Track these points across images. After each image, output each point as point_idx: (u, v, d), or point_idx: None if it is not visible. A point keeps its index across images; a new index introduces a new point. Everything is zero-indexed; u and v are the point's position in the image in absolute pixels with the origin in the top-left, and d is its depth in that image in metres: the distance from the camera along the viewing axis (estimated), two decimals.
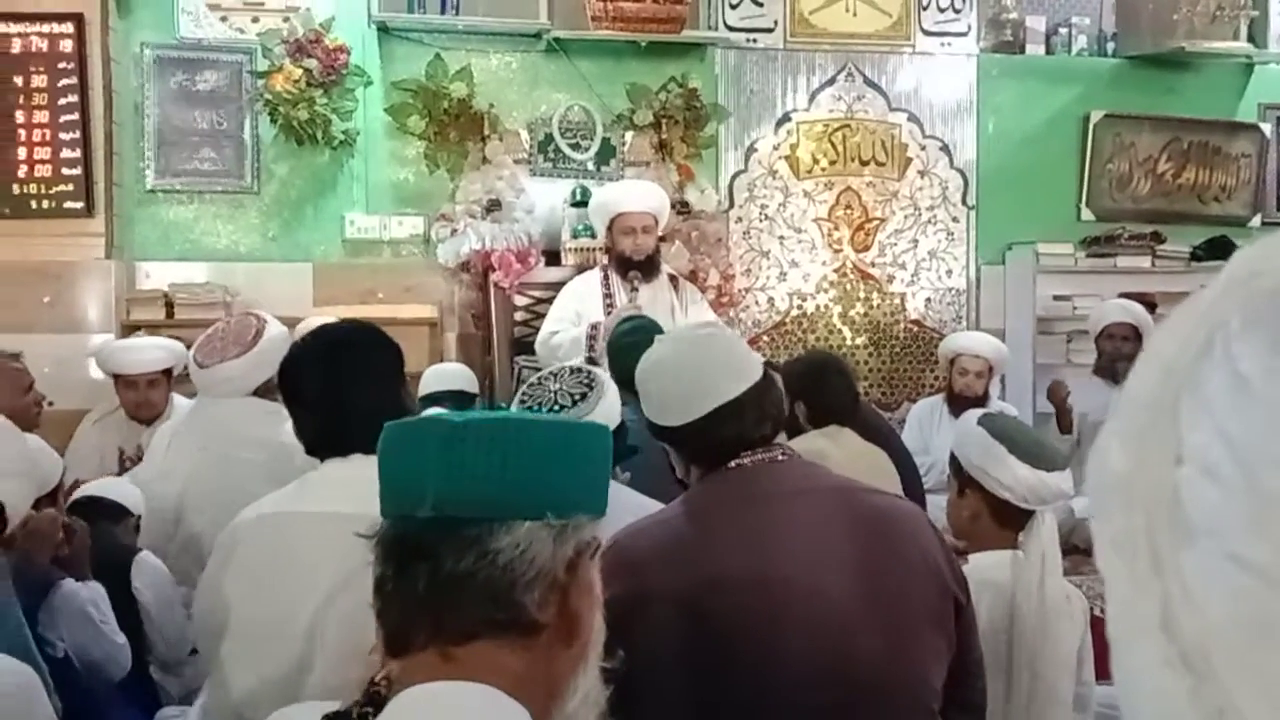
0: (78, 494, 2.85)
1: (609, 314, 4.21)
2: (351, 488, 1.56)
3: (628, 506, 1.86)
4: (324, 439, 1.83)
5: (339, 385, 1.82)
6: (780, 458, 1.64)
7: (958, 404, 4.46)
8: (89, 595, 2.46)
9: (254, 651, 1.71)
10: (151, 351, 3.70)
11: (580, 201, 4.78)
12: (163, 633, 2.74)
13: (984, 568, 2.02)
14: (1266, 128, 5.78)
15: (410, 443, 0.98)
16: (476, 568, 0.95)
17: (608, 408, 2.14)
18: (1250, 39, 5.60)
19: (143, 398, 3.69)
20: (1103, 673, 2.26)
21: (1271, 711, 0.36)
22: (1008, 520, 2.10)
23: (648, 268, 4.39)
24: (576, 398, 2.12)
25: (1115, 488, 0.42)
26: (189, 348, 4.51)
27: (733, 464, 1.62)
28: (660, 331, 3.31)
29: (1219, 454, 0.38)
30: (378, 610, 0.99)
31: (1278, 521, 0.36)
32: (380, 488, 1.00)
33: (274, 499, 1.85)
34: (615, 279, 4.42)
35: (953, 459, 2.20)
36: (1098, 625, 2.28)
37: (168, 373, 3.75)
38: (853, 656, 1.50)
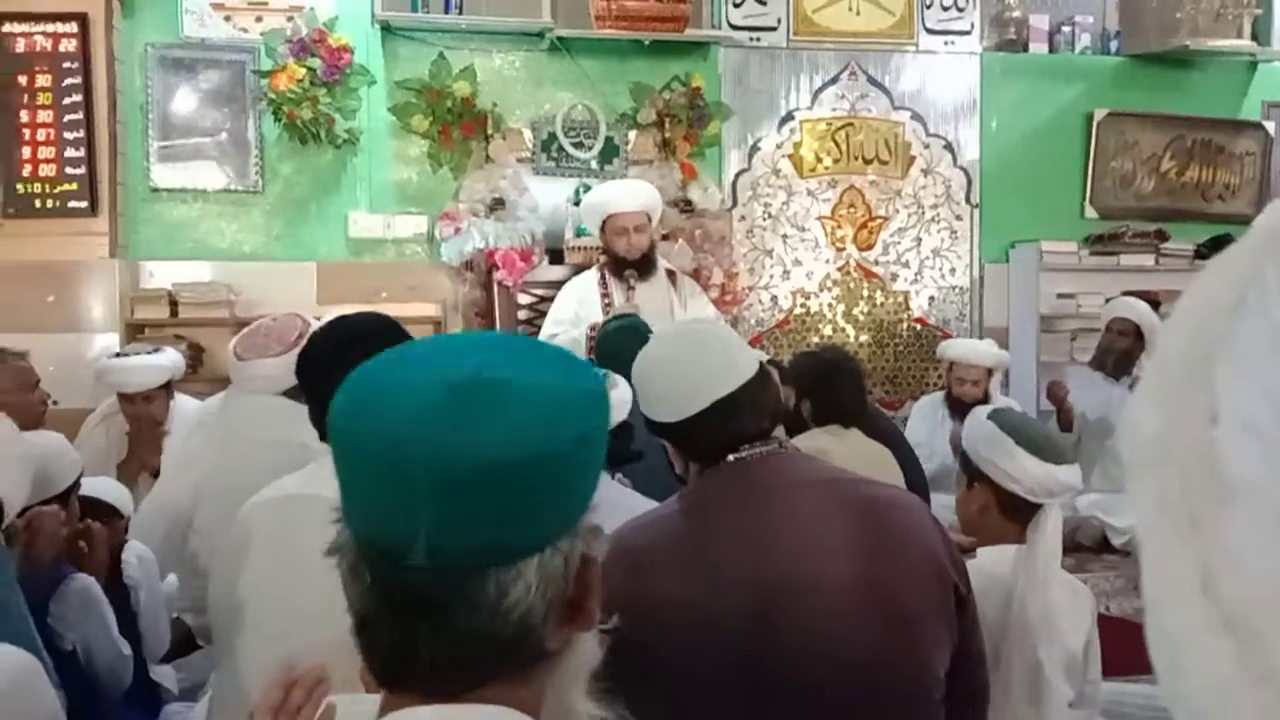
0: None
1: (607, 314, 4.20)
2: None
3: (622, 506, 1.85)
4: None
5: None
6: (778, 450, 1.64)
7: (958, 408, 4.46)
8: (100, 593, 2.46)
9: (273, 633, 1.71)
10: (148, 372, 3.69)
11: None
12: (146, 626, 2.73)
13: (987, 563, 2.04)
14: (1270, 126, 5.78)
15: (388, 470, 0.80)
16: (492, 626, 0.81)
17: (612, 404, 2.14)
18: (1254, 37, 5.60)
19: (141, 410, 3.72)
20: (1110, 669, 2.26)
21: None
22: (1015, 513, 2.11)
23: (644, 266, 4.37)
24: None
25: (1148, 449, 0.41)
26: (192, 347, 4.58)
27: (730, 458, 1.61)
28: (647, 329, 3.33)
29: (1260, 411, 0.36)
30: (364, 644, 0.85)
31: None
32: (349, 499, 0.85)
33: (289, 482, 1.86)
34: (612, 279, 4.40)
35: (962, 453, 2.21)
36: (1105, 623, 2.28)
37: (166, 385, 3.76)
38: (851, 644, 1.50)
